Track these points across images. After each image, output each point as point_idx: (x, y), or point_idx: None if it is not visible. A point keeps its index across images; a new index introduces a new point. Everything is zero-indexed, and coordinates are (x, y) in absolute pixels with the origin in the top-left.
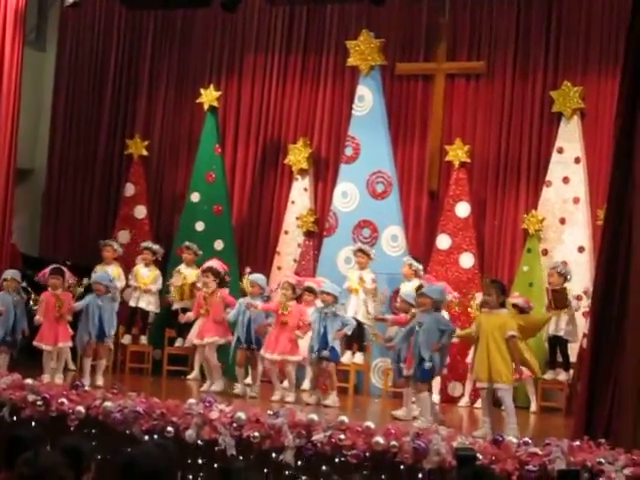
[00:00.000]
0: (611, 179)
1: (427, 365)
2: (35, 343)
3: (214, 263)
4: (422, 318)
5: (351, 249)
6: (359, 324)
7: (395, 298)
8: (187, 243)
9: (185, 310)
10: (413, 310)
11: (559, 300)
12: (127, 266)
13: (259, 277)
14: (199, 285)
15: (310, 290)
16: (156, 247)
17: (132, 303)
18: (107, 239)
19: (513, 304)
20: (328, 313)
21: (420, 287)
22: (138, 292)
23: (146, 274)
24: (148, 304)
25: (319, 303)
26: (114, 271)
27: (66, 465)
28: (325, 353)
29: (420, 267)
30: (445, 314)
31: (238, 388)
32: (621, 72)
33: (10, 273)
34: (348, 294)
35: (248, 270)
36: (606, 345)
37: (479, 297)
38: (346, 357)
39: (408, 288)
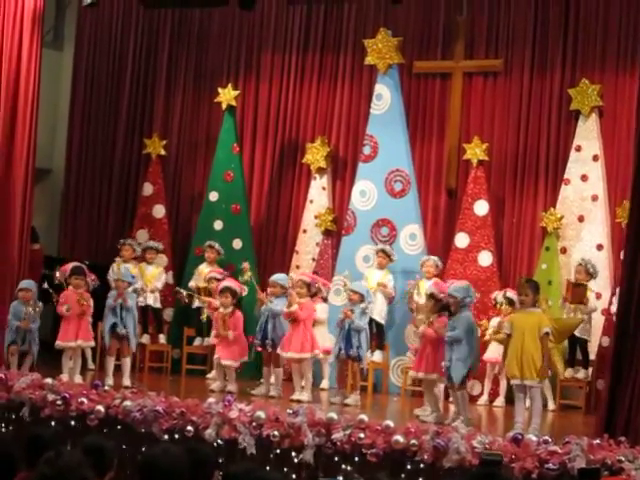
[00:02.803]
0: (634, 174)
1: (445, 364)
2: (58, 343)
3: (231, 283)
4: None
5: (372, 248)
6: (377, 324)
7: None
8: (210, 242)
9: (200, 309)
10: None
11: (577, 295)
12: None
13: (280, 276)
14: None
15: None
16: (158, 245)
17: (141, 303)
18: (126, 238)
19: None
20: (354, 311)
21: (430, 295)
22: (146, 291)
23: (150, 272)
24: (155, 301)
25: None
26: (131, 270)
27: (88, 465)
28: (352, 352)
29: (440, 264)
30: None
31: (256, 388)
32: None
33: (25, 283)
34: None
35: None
36: (627, 343)
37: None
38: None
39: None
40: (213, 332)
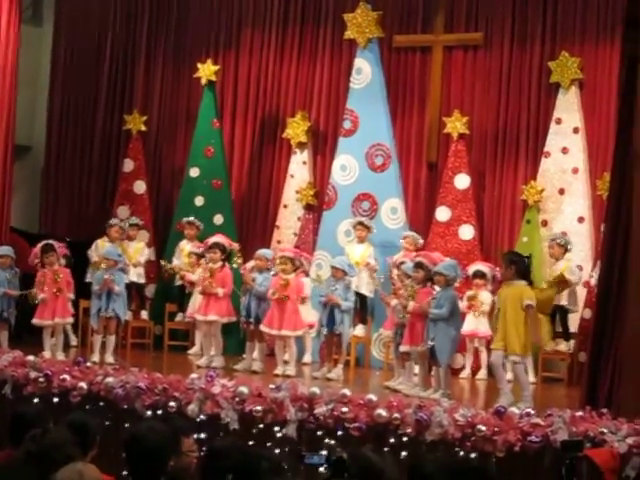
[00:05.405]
0: (615, 146)
1: (429, 343)
2: (34, 321)
3: (221, 239)
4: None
5: (350, 222)
6: (361, 298)
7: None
8: (190, 219)
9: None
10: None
11: (561, 288)
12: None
13: (266, 251)
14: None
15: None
16: (138, 220)
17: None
18: (108, 216)
19: None
20: (338, 288)
21: (419, 264)
22: (129, 267)
23: (132, 248)
24: (139, 277)
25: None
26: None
27: (73, 442)
28: (337, 328)
29: (421, 241)
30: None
31: (239, 363)
32: (621, 40)
33: (3, 250)
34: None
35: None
36: (608, 315)
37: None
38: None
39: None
40: (198, 289)
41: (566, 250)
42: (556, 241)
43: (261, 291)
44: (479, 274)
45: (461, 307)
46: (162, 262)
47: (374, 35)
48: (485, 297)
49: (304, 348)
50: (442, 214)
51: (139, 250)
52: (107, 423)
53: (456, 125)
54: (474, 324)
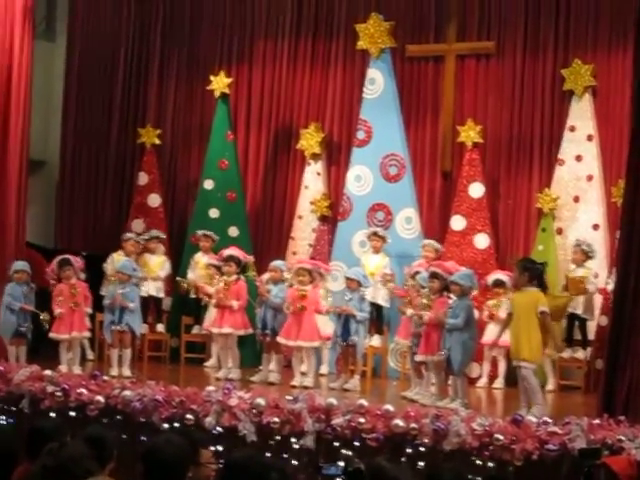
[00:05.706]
0: (629, 153)
1: (445, 352)
2: (51, 334)
3: (236, 252)
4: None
5: (365, 233)
6: (377, 308)
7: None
8: (205, 232)
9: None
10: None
11: (574, 288)
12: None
13: (281, 263)
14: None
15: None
16: (161, 234)
17: (143, 293)
18: (125, 230)
19: None
20: (352, 299)
21: (434, 274)
22: (148, 280)
23: (153, 261)
24: (158, 291)
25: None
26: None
27: (91, 456)
28: (352, 339)
29: (441, 248)
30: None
31: (256, 375)
32: (634, 47)
33: (20, 265)
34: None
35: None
36: (625, 322)
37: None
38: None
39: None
40: (213, 301)
41: (587, 257)
42: (581, 247)
43: (277, 303)
44: (499, 283)
45: (482, 317)
46: (178, 279)
47: (386, 45)
48: (506, 306)
49: (321, 359)
50: (457, 223)
51: (160, 264)
52: (124, 436)
53: (470, 134)
54: (495, 333)
